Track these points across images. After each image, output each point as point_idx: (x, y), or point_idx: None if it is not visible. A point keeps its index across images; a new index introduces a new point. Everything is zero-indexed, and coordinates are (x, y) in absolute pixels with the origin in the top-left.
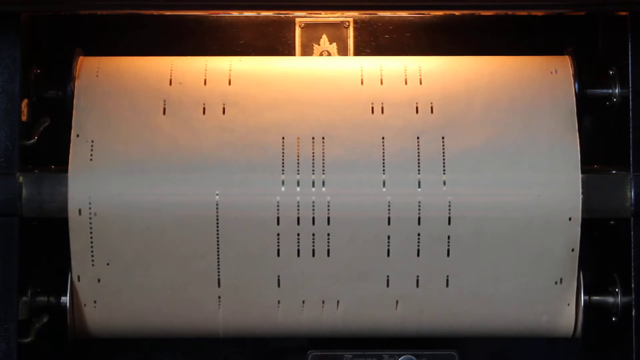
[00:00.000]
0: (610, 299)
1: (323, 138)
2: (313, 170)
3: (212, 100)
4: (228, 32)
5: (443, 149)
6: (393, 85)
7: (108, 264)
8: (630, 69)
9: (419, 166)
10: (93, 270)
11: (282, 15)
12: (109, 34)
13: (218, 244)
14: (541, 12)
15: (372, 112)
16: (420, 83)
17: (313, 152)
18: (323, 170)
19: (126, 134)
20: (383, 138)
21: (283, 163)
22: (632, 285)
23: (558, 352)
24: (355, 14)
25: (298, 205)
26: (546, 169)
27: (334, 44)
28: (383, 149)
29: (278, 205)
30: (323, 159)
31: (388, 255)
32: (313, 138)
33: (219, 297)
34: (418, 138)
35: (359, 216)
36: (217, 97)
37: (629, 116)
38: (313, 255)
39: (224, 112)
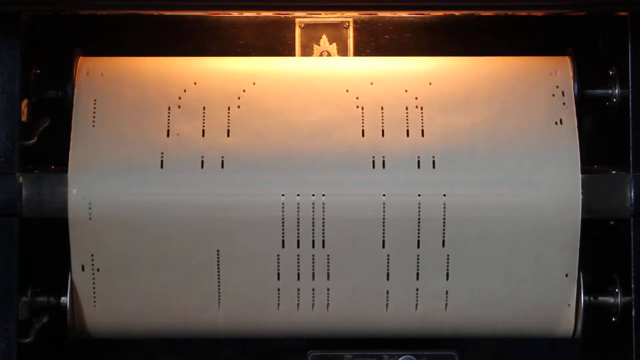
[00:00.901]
0: (610, 299)
1: (323, 195)
2: (313, 230)
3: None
4: (228, 32)
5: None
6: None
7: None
8: (630, 69)
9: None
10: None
11: (282, 16)
12: (109, 34)
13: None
14: (541, 12)
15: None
16: (422, 135)
17: (313, 211)
18: (323, 228)
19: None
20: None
21: (283, 222)
22: (632, 285)
23: (558, 352)
24: (355, 14)
25: (298, 262)
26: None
27: (334, 44)
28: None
29: (278, 261)
30: (323, 218)
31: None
32: (313, 195)
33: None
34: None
35: (358, 273)
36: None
37: (629, 116)
38: (312, 309)
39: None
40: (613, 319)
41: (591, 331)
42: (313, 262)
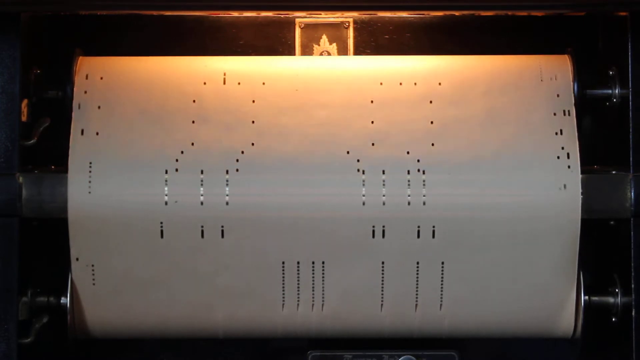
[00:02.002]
0: (610, 299)
1: (323, 263)
2: (313, 295)
3: None
4: (228, 32)
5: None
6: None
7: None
8: (630, 69)
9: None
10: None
11: (282, 16)
12: (109, 34)
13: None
14: (541, 12)
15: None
16: (424, 204)
17: (313, 277)
18: (323, 294)
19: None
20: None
21: (283, 287)
22: (632, 285)
23: (558, 352)
24: (355, 14)
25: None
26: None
27: (334, 44)
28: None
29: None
30: (323, 284)
31: None
32: (313, 263)
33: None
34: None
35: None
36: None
37: (629, 116)
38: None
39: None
40: (613, 319)
41: (591, 331)
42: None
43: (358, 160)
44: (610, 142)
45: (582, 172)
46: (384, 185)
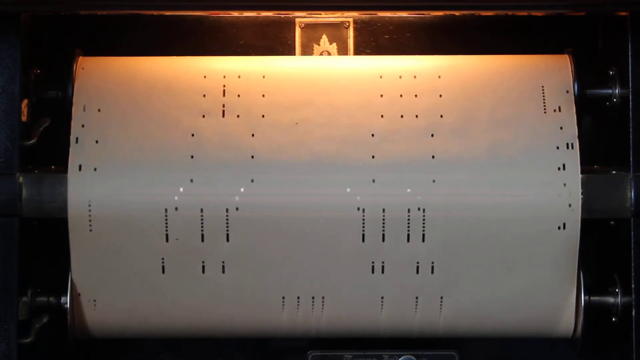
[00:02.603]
0: (610, 299)
1: (323, 298)
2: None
3: None
4: (228, 32)
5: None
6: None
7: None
8: (630, 69)
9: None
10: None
11: (282, 16)
12: (109, 34)
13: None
14: (541, 12)
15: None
16: (423, 241)
17: (312, 311)
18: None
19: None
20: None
21: (283, 321)
22: (632, 285)
23: (558, 352)
24: (355, 14)
25: None
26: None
27: (334, 44)
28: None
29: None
30: (322, 317)
31: None
32: (313, 298)
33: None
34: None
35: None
36: None
37: (629, 116)
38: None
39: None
40: (613, 319)
41: (591, 331)
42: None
43: (358, 198)
44: (610, 142)
45: (582, 172)
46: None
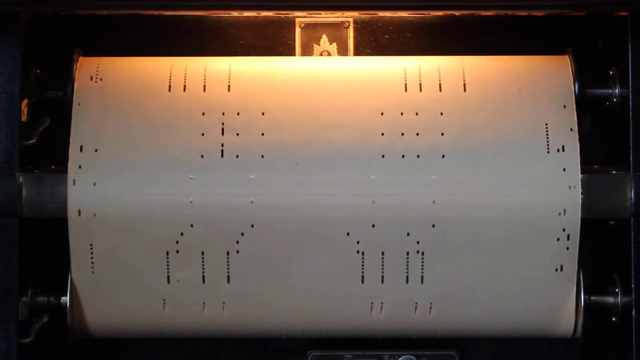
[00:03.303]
0: (610, 299)
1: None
2: None
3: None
4: (228, 32)
5: None
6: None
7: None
8: (630, 69)
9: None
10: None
11: (282, 15)
12: (109, 34)
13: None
14: (541, 12)
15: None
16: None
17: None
18: None
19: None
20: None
21: None
22: (632, 285)
23: (558, 352)
24: (355, 14)
25: None
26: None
27: (334, 44)
28: None
29: None
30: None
31: None
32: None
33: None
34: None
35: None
36: None
37: (629, 116)
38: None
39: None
40: (613, 319)
41: (591, 331)
42: None
43: (358, 242)
44: (610, 142)
45: (582, 172)
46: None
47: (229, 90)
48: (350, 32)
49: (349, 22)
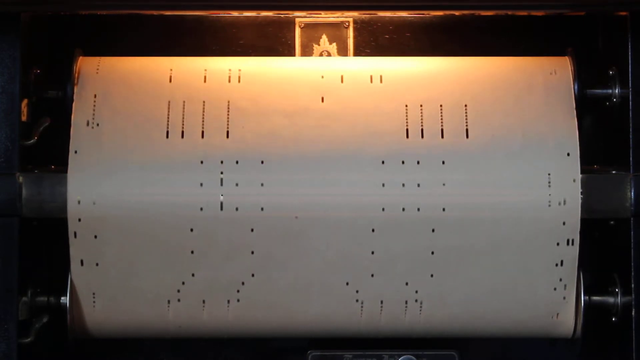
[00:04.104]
0: (610, 299)
1: None
2: None
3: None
4: (228, 32)
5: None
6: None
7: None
8: (630, 69)
9: None
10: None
11: (282, 15)
12: (109, 34)
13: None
14: (541, 12)
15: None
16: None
17: None
18: None
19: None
20: None
21: None
22: (632, 285)
23: (558, 352)
24: (355, 14)
25: None
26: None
27: (334, 44)
28: None
29: None
30: None
31: None
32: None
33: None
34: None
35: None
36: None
37: (629, 116)
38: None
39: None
40: (613, 319)
41: (591, 331)
42: None
43: (357, 291)
44: (610, 142)
45: (582, 172)
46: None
47: (227, 136)
48: (350, 32)
49: (348, 22)
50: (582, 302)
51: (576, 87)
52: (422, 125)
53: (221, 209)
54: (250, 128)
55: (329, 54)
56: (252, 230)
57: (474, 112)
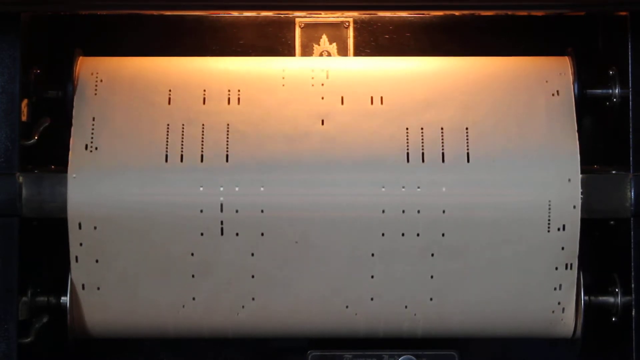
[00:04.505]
0: (610, 299)
1: None
2: None
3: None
4: (228, 32)
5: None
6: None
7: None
8: (630, 69)
9: None
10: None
11: (282, 15)
12: (109, 34)
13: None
14: (541, 12)
15: None
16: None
17: None
18: None
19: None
20: None
21: None
22: (632, 285)
23: (558, 352)
24: (355, 14)
25: None
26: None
27: (334, 44)
28: None
29: None
30: None
31: None
32: None
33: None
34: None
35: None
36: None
37: (629, 116)
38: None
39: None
40: (613, 319)
41: (591, 331)
42: None
43: (356, 314)
44: (610, 142)
45: (582, 172)
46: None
47: (227, 160)
48: (350, 32)
49: (348, 22)
50: (582, 302)
51: (576, 87)
52: (422, 149)
53: (222, 233)
54: (250, 152)
55: (329, 54)
56: (252, 254)
57: (475, 135)
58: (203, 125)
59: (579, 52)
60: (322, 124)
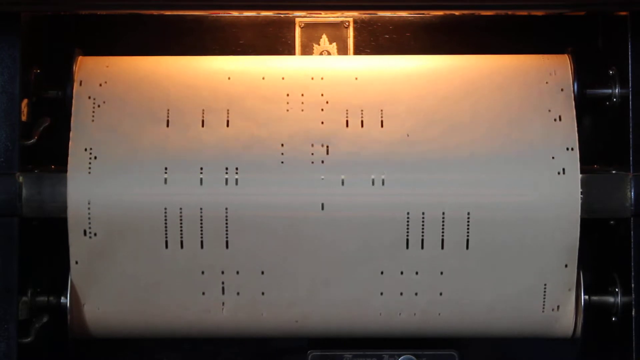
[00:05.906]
0: (610, 299)
1: None
2: None
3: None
4: (228, 32)
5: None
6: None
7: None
8: (630, 69)
9: None
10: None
11: (282, 15)
12: (109, 34)
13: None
14: (541, 12)
15: None
16: None
17: None
18: None
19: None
20: None
21: None
22: (632, 285)
23: (558, 352)
24: (355, 14)
25: None
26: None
27: (334, 43)
28: None
29: None
30: None
31: None
32: None
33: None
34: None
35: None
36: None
37: (629, 116)
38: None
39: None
40: (613, 319)
41: (591, 331)
42: None
43: None
44: (610, 142)
45: (582, 172)
46: None
47: (227, 247)
48: (350, 32)
49: (348, 21)
50: (582, 302)
51: (576, 86)
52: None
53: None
54: (250, 238)
55: (329, 54)
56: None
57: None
58: (201, 209)
59: (579, 51)
60: (322, 208)
